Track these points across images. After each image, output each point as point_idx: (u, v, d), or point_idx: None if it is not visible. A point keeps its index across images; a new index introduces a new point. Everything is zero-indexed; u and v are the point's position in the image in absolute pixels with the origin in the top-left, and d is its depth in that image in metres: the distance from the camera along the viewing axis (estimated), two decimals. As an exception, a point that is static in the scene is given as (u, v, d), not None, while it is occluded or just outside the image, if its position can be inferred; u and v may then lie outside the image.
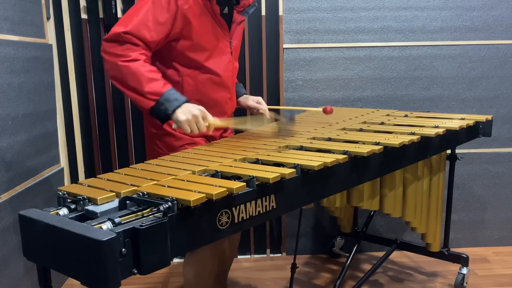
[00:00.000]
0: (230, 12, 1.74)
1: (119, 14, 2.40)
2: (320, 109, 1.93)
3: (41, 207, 2.19)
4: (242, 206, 1.13)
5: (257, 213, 1.17)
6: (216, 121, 1.58)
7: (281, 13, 2.51)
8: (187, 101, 1.55)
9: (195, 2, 1.60)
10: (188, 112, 1.51)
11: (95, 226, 0.92)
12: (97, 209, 1.01)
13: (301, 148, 1.50)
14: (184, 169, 1.26)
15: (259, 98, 2.00)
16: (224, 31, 1.72)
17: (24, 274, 1.97)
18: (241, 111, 2.60)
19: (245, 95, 2.00)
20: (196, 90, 1.70)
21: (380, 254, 2.50)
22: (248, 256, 2.76)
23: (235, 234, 1.71)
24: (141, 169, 1.31)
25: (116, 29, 1.53)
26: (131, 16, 1.54)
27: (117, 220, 0.93)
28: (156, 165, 1.36)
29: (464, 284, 2.28)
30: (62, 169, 2.47)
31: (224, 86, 1.76)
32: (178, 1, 1.56)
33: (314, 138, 1.63)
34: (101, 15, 2.42)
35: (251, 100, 1.98)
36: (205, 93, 1.72)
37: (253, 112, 2.00)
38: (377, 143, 1.52)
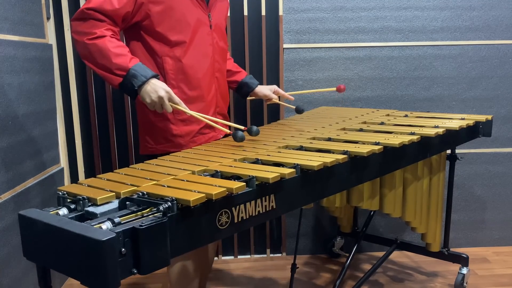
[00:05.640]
0: None
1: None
2: (334, 88, 2.18)
3: (41, 207, 2.20)
4: (242, 206, 1.13)
5: (257, 213, 1.17)
6: (182, 105, 1.54)
7: (281, 13, 2.51)
8: (154, 76, 1.51)
9: None
10: (154, 92, 1.49)
11: (94, 226, 0.92)
12: (97, 210, 1.01)
13: (301, 148, 1.50)
14: (184, 169, 1.26)
15: (274, 87, 2.09)
16: (200, 1, 1.69)
17: (24, 274, 1.98)
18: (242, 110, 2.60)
19: (260, 86, 2.06)
20: (177, 69, 1.67)
21: (380, 254, 2.51)
22: (248, 256, 2.76)
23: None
24: (141, 169, 1.31)
25: (81, 7, 1.53)
26: None
27: (116, 220, 0.93)
28: (156, 165, 1.36)
29: (464, 284, 2.28)
30: (62, 169, 2.47)
31: (204, 59, 1.72)
32: None
33: (314, 138, 1.63)
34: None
35: (268, 90, 2.06)
36: (185, 70, 1.68)
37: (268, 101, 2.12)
38: (377, 143, 1.52)
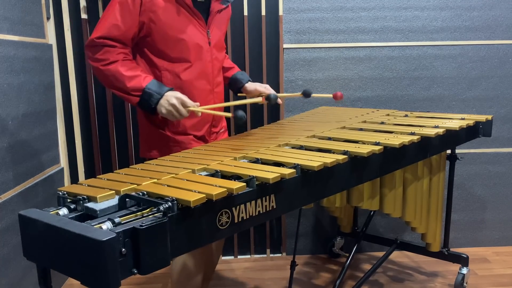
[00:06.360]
0: (207, 1, 1.73)
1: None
2: (331, 95, 1.99)
3: (41, 207, 2.19)
4: (242, 206, 1.13)
5: (257, 213, 1.17)
6: (196, 106, 1.60)
7: (281, 13, 2.51)
8: (169, 90, 1.59)
9: None
10: (167, 104, 1.57)
11: (95, 226, 0.92)
12: (97, 206, 1.01)
13: (301, 148, 1.50)
14: (184, 169, 1.26)
15: (266, 86, 1.97)
16: (199, 21, 1.70)
17: (24, 274, 1.98)
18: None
19: (250, 82, 1.97)
20: (174, 84, 1.70)
21: (380, 254, 2.51)
22: (248, 256, 2.76)
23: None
24: (141, 169, 1.31)
25: (91, 36, 1.60)
26: (102, 22, 1.61)
27: (117, 220, 0.93)
28: (156, 165, 1.36)
29: (464, 284, 2.28)
30: (62, 169, 2.47)
31: (202, 77, 1.74)
32: None
33: (314, 138, 1.63)
34: (101, 15, 2.41)
35: (259, 85, 1.95)
36: (183, 86, 1.70)
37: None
38: (377, 143, 1.52)
